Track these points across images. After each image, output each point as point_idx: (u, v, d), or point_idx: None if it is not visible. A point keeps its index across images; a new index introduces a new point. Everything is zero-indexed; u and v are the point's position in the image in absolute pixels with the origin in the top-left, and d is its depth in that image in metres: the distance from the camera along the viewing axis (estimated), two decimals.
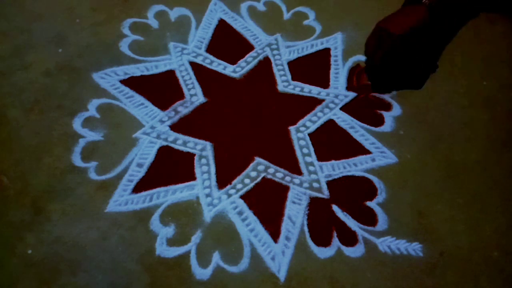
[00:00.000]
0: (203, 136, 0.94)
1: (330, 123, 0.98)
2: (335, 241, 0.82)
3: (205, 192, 0.87)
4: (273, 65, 1.07)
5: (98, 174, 0.88)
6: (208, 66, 1.06)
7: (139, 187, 0.87)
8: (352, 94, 1.02)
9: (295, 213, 0.85)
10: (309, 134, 0.96)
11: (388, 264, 0.80)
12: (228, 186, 0.88)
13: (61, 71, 1.02)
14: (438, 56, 1.03)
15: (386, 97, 1.02)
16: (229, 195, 0.87)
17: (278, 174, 0.90)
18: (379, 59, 0.91)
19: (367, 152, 0.94)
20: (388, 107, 1.00)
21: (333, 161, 0.92)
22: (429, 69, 1.00)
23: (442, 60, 1.08)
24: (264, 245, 0.81)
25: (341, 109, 1.00)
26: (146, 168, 0.89)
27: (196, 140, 0.94)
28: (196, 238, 0.81)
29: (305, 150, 0.93)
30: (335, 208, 0.86)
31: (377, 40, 0.90)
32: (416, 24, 0.88)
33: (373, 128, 0.97)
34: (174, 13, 1.15)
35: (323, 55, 1.09)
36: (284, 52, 1.09)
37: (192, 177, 0.89)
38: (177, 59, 1.06)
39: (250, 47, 1.10)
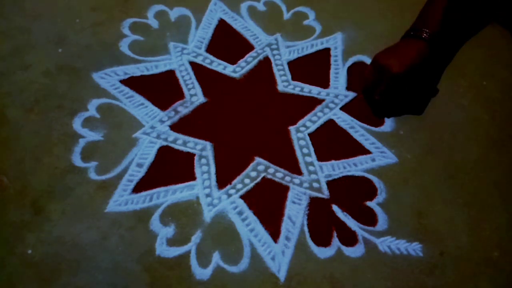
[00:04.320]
0: (203, 136, 0.94)
1: (330, 123, 0.98)
2: (335, 241, 0.82)
3: (205, 192, 0.87)
4: (273, 65, 1.07)
5: (98, 174, 0.88)
6: (208, 66, 1.06)
7: (139, 187, 0.87)
8: (352, 94, 1.02)
9: (295, 213, 0.85)
10: (309, 134, 0.96)
11: (388, 264, 0.80)
12: (228, 186, 0.88)
13: (61, 71, 1.02)
14: (438, 80, 1.04)
15: None
16: (229, 195, 0.87)
17: (278, 174, 0.90)
18: (378, 95, 0.93)
19: (367, 152, 0.94)
20: None
21: (333, 161, 0.92)
22: (430, 94, 1.01)
23: None
24: (264, 245, 0.81)
25: (341, 109, 1.00)
26: (146, 168, 0.89)
27: (196, 140, 0.94)
28: (196, 238, 0.81)
29: (305, 150, 0.93)
30: (335, 208, 0.86)
31: (377, 76, 0.91)
32: (417, 59, 0.89)
33: (373, 128, 0.97)
34: (174, 13, 1.15)
35: (323, 55, 1.09)
36: (284, 52, 1.09)
37: (192, 177, 0.89)
38: (177, 59, 1.06)
39: (250, 47, 1.10)
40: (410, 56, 0.89)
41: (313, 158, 0.92)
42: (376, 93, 0.94)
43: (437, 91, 1.01)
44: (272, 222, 0.84)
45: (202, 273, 0.78)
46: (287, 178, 0.89)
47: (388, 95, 0.93)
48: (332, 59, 1.09)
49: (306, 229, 0.83)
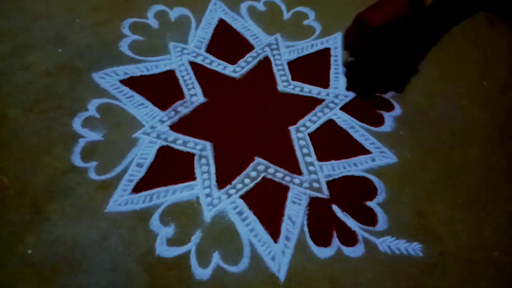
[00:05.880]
0: (203, 136, 0.94)
1: (330, 123, 0.98)
2: (335, 241, 0.82)
3: (205, 192, 0.87)
4: (273, 65, 1.07)
5: (98, 174, 0.88)
6: (208, 66, 1.06)
7: (139, 187, 0.87)
8: (352, 94, 1.02)
9: (295, 213, 0.85)
10: (309, 134, 0.96)
11: (388, 264, 0.80)
12: (228, 186, 0.88)
13: (61, 71, 1.02)
14: (420, 59, 1.04)
15: (386, 96, 1.02)
16: (229, 195, 0.87)
17: (278, 174, 0.90)
18: (359, 50, 0.93)
19: (367, 152, 0.94)
20: (388, 107, 1.01)
21: (333, 161, 0.92)
22: (410, 72, 1.02)
23: (442, 60, 1.08)
24: (264, 245, 0.81)
25: (341, 109, 1.00)
26: (146, 168, 0.89)
27: (196, 140, 0.94)
28: (196, 238, 0.81)
29: (305, 150, 0.93)
30: (335, 208, 0.86)
31: (357, 31, 0.92)
32: (397, 15, 0.90)
33: (373, 128, 0.97)
34: (174, 13, 1.15)
35: (323, 55, 1.09)
36: (284, 52, 1.09)
37: (192, 177, 0.89)
38: (177, 59, 1.06)
39: (250, 47, 1.10)
40: (390, 11, 0.91)
41: (313, 158, 0.92)
42: (357, 47, 0.94)
43: (417, 71, 1.02)
44: (272, 222, 0.84)
45: (202, 273, 0.78)
46: (287, 178, 0.89)
47: (368, 51, 0.94)
48: (332, 59, 1.09)
49: (306, 229, 0.83)
